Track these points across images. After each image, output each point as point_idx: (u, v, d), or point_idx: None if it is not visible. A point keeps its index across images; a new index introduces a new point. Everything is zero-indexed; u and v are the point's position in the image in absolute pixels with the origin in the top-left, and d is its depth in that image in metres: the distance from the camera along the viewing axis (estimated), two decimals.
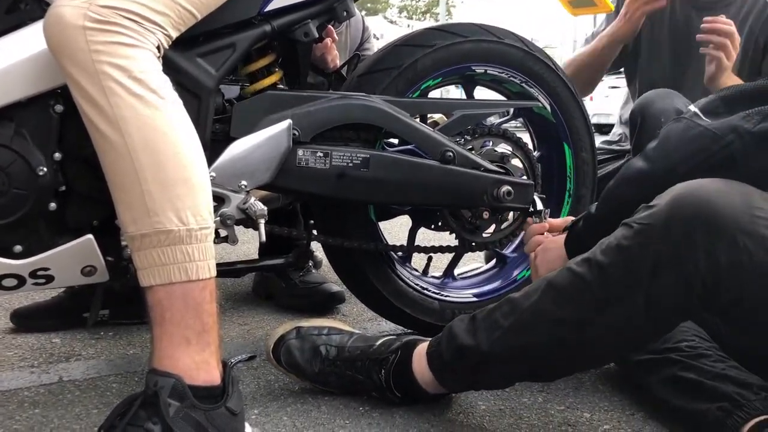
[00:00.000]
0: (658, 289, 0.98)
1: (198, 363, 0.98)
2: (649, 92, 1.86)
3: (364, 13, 4.61)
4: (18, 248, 1.10)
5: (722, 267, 0.94)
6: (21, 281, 1.12)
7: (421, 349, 1.19)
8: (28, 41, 1.07)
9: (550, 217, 1.49)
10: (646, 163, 1.12)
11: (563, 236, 1.26)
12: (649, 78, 2.01)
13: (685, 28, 1.97)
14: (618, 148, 2.13)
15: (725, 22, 1.71)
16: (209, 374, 0.99)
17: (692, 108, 1.11)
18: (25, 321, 1.67)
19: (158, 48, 1.04)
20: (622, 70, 2.18)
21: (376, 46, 2.51)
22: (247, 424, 1.04)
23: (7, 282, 1.11)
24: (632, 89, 2.16)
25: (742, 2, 1.90)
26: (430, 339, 1.20)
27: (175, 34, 1.08)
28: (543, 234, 1.36)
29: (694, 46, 1.93)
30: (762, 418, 1.06)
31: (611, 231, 1.05)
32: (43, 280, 1.14)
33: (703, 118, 1.08)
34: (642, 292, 0.98)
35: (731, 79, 1.72)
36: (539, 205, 1.47)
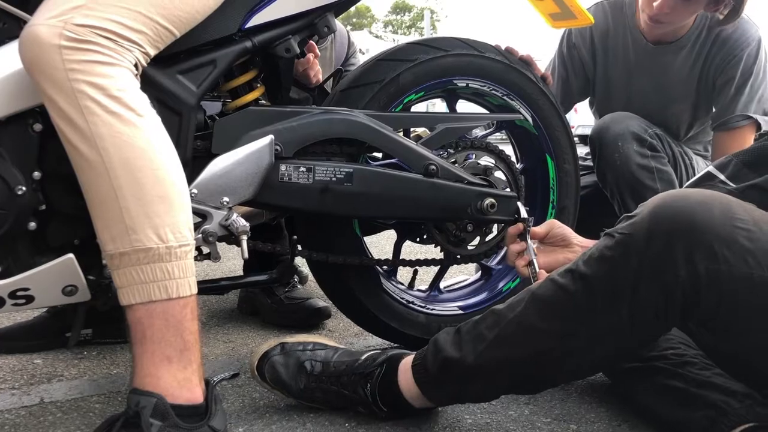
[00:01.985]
0: (640, 300, 0.98)
1: (180, 381, 0.97)
2: (605, 117, 1.92)
3: (349, 28, 4.63)
4: None
5: (702, 277, 0.94)
6: (0, 302, 1.11)
7: (407, 362, 1.18)
8: (6, 60, 1.06)
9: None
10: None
11: None
12: (606, 111, 2.04)
13: (634, 74, 2.01)
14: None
15: None
16: (191, 392, 0.98)
17: (719, 175, 1.13)
18: (6, 342, 1.65)
19: (136, 66, 1.03)
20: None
21: (361, 60, 2.52)
22: None
23: None
24: (595, 117, 2.20)
25: (693, 45, 1.93)
26: (415, 352, 1.20)
27: (153, 52, 1.08)
28: (518, 241, 1.36)
29: (647, 84, 1.98)
30: (747, 426, 1.06)
31: None
32: (23, 301, 1.12)
33: (730, 183, 1.11)
34: (625, 302, 0.99)
35: None
36: (523, 213, 1.48)
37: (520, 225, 1.38)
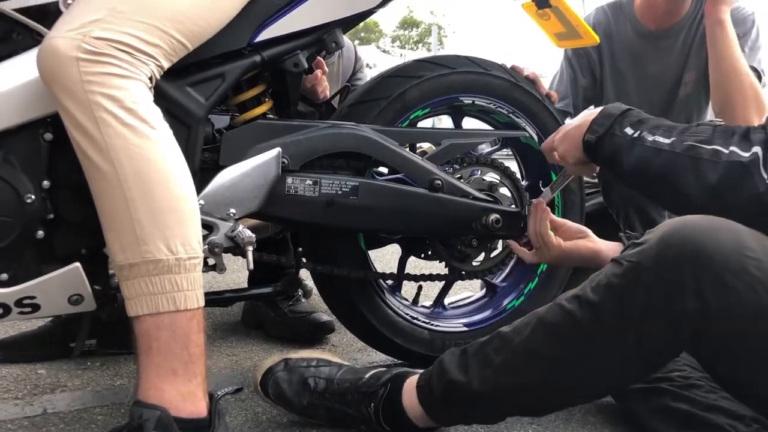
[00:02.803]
0: (648, 330, 0.97)
1: (184, 394, 0.97)
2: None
3: (357, 42, 4.66)
4: (4, 276, 1.09)
5: (711, 308, 0.93)
6: (6, 310, 1.11)
7: (411, 382, 1.17)
8: (19, 70, 1.07)
9: None
10: (703, 199, 1.04)
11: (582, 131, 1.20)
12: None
13: (642, 59, 2.03)
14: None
15: None
16: (195, 406, 0.98)
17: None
18: (10, 351, 1.65)
19: (150, 79, 1.04)
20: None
21: (368, 75, 2.53)
22: None
23: None
24: None
25: (688, 29, 1.98)
26: (420, 371, 1.19)
27: (167, 65, 1.09)
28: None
29: (651, 75, 1.99)
30: None
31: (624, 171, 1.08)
32: (29, 309, 1.13)
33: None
34: (632, 332, 0.98)
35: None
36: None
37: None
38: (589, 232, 1.41)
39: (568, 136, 1.24)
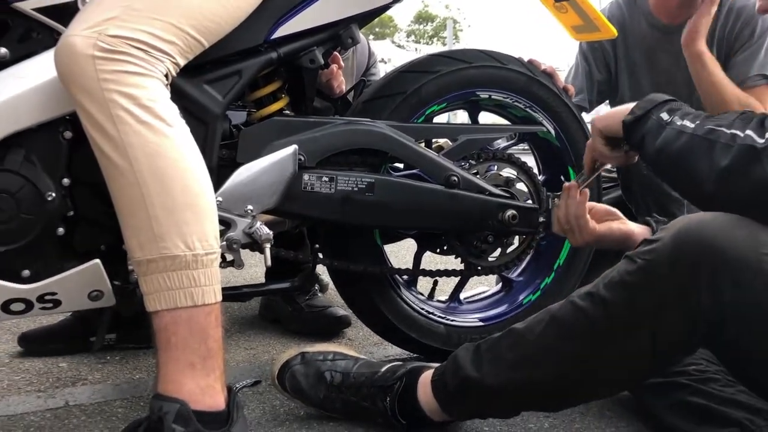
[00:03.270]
0: (662, 327, 0.97)
1: (203, 388, 0.98)
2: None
3: (372, 37, 4.66)
4: (26, 273, 1.11)
5: (727, 305, 0.93)
6: (29, 306, 1.13)
7: (426, 376, 1.18)
8: (39, 69, 1.09)
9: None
10: (713, 185, 1.00)
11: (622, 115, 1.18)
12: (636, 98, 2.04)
13: (656, 54, 2.01)
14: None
15: None
16: (214, 399, 0.99)
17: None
18: (33, 345, 1.68)
19: (166, 76, 1.05)
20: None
21: (383, 70, 2.53)
22: None
23: (15, 306, 1.12)
24: None
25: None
26: (435, 366, 1.20)
27: (183, 62, 1.10)
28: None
29: (669, 63, 1.97)
30: None
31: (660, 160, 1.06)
32: (50, 305, 1.15)
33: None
34: (645, 329, 0.98)
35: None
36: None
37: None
38: (619, 213, 1.37)
39: (612, 113, 1.23)
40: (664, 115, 1.11)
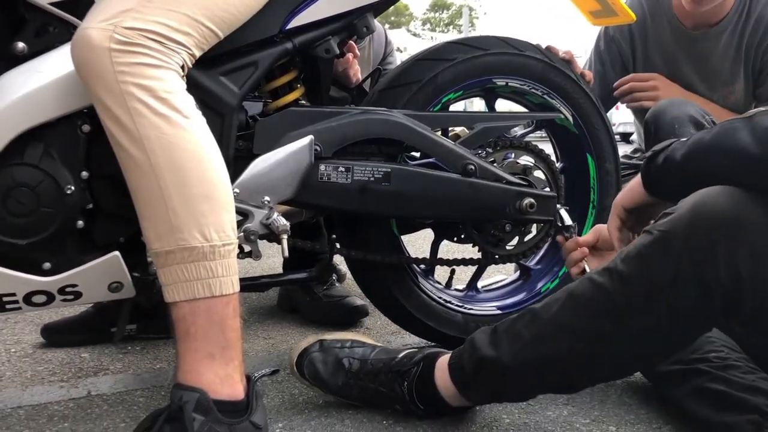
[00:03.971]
0: (679, 299, 0.97)
1: (222, 377, 0.99)
2: (663, 101, 1.86)
3: (387, 26, 4.64)
4: (47, 265, 1.13)
5: (744, 278, 0.92)
6: (50, 298, 1.14)
7: (443, 361, 1.19)
8: (57, 63, 1.10)
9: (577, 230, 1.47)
10: (758, 146, 0.97)
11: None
12: None
13: (678, 59, 1.97)
14: (639, 162, 2.12)
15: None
16: (233, 388, 1.00)
17: None
18: (55, 336, 1.70)
19: (182, 67, 1.06)
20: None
21: (399, 58, 2.52)
22: None
23: (36, 298, 1.14)
24: (637, 115, 2.16)
25: (734, 28, 1.89)
26: (452, 351, 1.20)
27: (198, 53, 1.10)
28: (578, 250, 1.35)
29: (690, 71, 1.94)
30: None
31: (689, 187, 1.01)
32: (71, 296, 1.16)
33: None
34: (663, 302, 0.97)
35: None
36: (567, 221, 1.46)
37: (579, 239, 1.36)
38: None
39: (629, 186, 1.21)
40: (678, 144, 1.10)
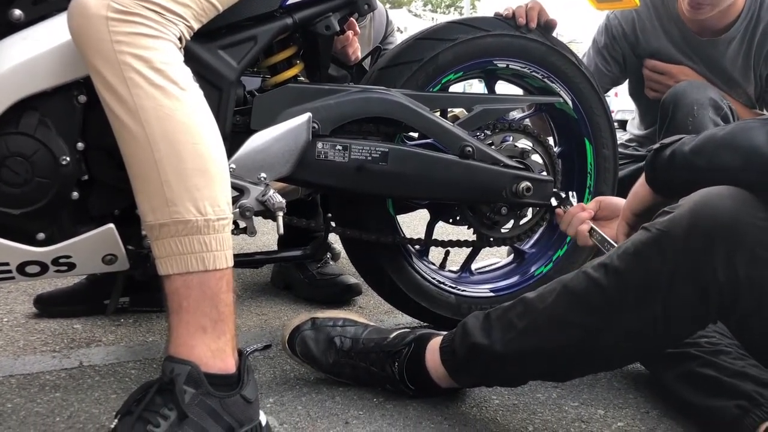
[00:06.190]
0: (675, 299, 0.97)
1: (214, 351, 0.99)
2: (682, 83, 1.84)
3: (388, 6, 4.61)
4: (41, 236, 1.12)
5: (741, 279, 0.92)
6: (44, 268, 1.14)
7: (435, 343, 1.19)
8: (54, 32, 1.08)
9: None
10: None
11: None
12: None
13: (687, 56, 1.95)
14: (634, 152, 2.11)
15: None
16: (224, 362, 1.00)
17: None
18: (48, 306, 1.70)
19: (180, 39, 1.04)
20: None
21: (399, 38, 2.50)
22: (261, 412, 1.05)
23: (30, 269, 1.13)
24: (640, 104, 2.14)
25: (743, 36, 1.86)
26: (443, 333, 1.20)
27: (197, 26, 1.09)
28: (584, 211, 1.34)
29: (697, 71, 1.92)
30: None
31: (693, 183, 1.01)
32: (65, 268, 1.16)
33: None
34: (659, 300, 0.97)
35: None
36: (562, 194, 1.47)
37: (580, 203, 1.35)
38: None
39: (632, 192, 1.21)
40: (692, 136, 1.10)
